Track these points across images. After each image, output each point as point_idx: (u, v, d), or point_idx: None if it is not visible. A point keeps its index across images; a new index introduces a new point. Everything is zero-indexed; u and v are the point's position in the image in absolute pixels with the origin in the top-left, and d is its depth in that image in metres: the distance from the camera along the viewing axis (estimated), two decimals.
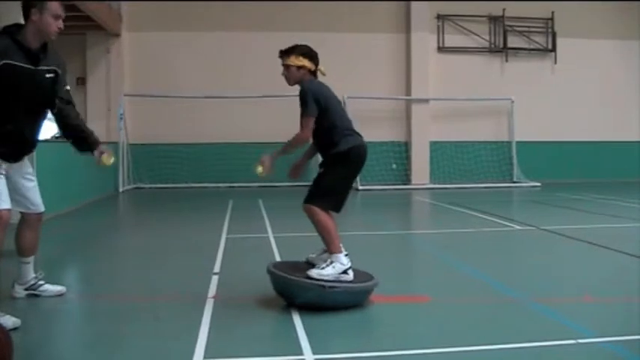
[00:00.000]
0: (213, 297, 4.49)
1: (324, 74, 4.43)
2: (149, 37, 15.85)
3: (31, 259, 4.48)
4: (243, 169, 15.53)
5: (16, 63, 3.88)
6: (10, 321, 3.72)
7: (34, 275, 4.52)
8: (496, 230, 8.19)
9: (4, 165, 4.00)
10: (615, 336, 3.55)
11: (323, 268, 4.10)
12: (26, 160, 4.31)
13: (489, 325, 3.86)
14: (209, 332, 3.66)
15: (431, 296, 4.58)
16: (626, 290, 4.71)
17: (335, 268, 4.10)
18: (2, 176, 3.96)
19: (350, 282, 4.11)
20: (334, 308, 4.04)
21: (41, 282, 4.54)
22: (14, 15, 8.23)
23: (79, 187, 11.21)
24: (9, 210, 3.93)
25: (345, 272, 4.12)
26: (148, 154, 15.62)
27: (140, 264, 6.20)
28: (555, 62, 17.35)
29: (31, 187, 4.31)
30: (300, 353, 3.30)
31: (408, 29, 16.63)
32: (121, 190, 14.39)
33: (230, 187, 15.47)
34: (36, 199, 4.34)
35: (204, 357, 3.25)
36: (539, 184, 15.79)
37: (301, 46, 4.39)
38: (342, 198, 4.32)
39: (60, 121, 4.35)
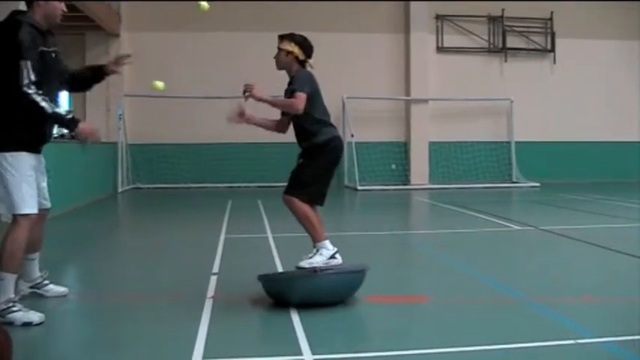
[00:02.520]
0: (212, 297, 4.48)
1: (311, 67, 4.53)
2: (148, 38, 15.84)
3: (37, 255, 4.49)
4: (242, 170, 15.60)
5: (44, 48, 4.02)
6: (35, 316, 3.84)
7: (39, 274, 4.53)
8: (495, 230, 8.19)
9: (34, 162, 4.06)
10: (615, 336, 3.54)
11: (311, 257, 4.25)
12: (41, 155, 4.39)
13: (489, 325, 3.86)
14: (208, 332, 3.65)
15: (430, 296, 4.58)
16: (626, 290, 4.71)
17: (322, 255, 4.24)
18: (33, 177, 4.03)
19: (340, 265, 4.25)
20: (330, 301, 4.08)
21: (46, 281, 4.56)
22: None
23: (77, 187, 11.20)
24: (36, 213, 4.06)
25: (332, 257, 4.26)
26: (147, 154, 15.62)
27: (139, 264, 6.19)
28: (554, 62, 17.37)
29: (46, 180, 4.39)
30: (299, 353, 3.29)
31: (407, 29, 16.63)
32: (119, 190, 14.38)
33: (229, 187, 15.47)
34: (47, 194, 4.42)
35: (203, 357, 3.24)
36: (538, 184, 15.80)
37: (298, 34, 4.51)
38: (322, 190, 4.42)
39: (77, 87, 4.59)
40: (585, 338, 3.53)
